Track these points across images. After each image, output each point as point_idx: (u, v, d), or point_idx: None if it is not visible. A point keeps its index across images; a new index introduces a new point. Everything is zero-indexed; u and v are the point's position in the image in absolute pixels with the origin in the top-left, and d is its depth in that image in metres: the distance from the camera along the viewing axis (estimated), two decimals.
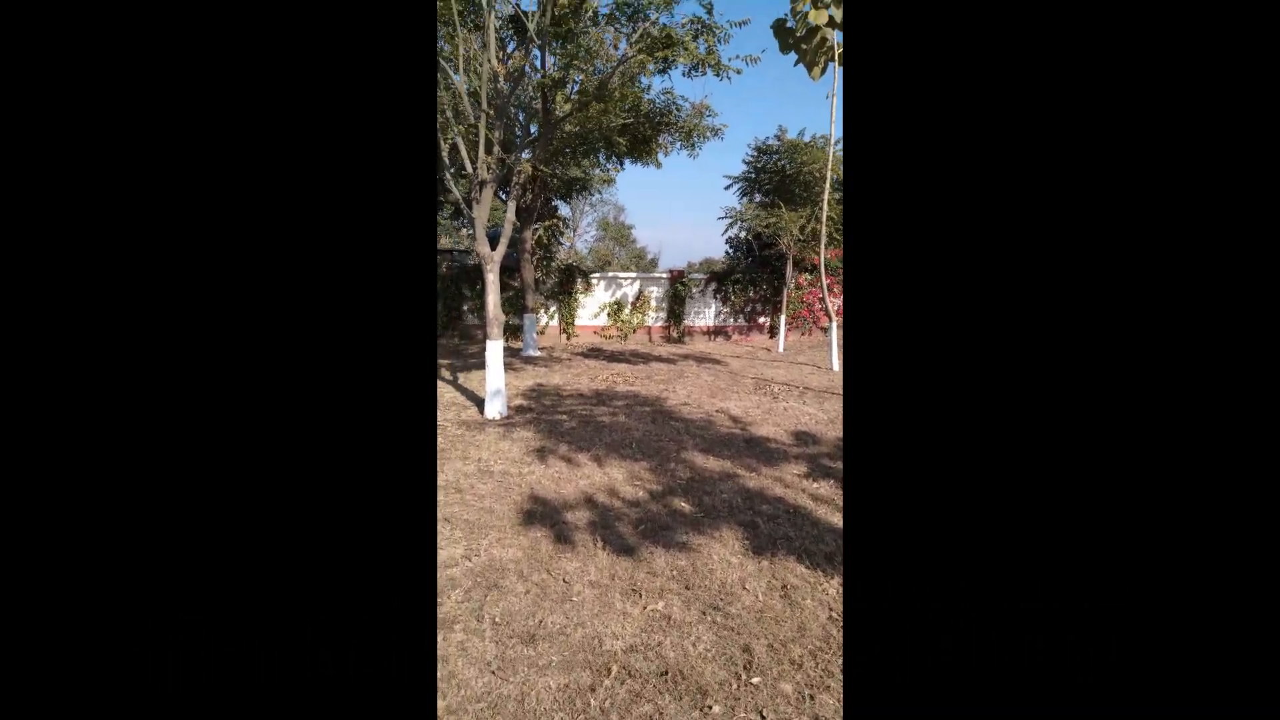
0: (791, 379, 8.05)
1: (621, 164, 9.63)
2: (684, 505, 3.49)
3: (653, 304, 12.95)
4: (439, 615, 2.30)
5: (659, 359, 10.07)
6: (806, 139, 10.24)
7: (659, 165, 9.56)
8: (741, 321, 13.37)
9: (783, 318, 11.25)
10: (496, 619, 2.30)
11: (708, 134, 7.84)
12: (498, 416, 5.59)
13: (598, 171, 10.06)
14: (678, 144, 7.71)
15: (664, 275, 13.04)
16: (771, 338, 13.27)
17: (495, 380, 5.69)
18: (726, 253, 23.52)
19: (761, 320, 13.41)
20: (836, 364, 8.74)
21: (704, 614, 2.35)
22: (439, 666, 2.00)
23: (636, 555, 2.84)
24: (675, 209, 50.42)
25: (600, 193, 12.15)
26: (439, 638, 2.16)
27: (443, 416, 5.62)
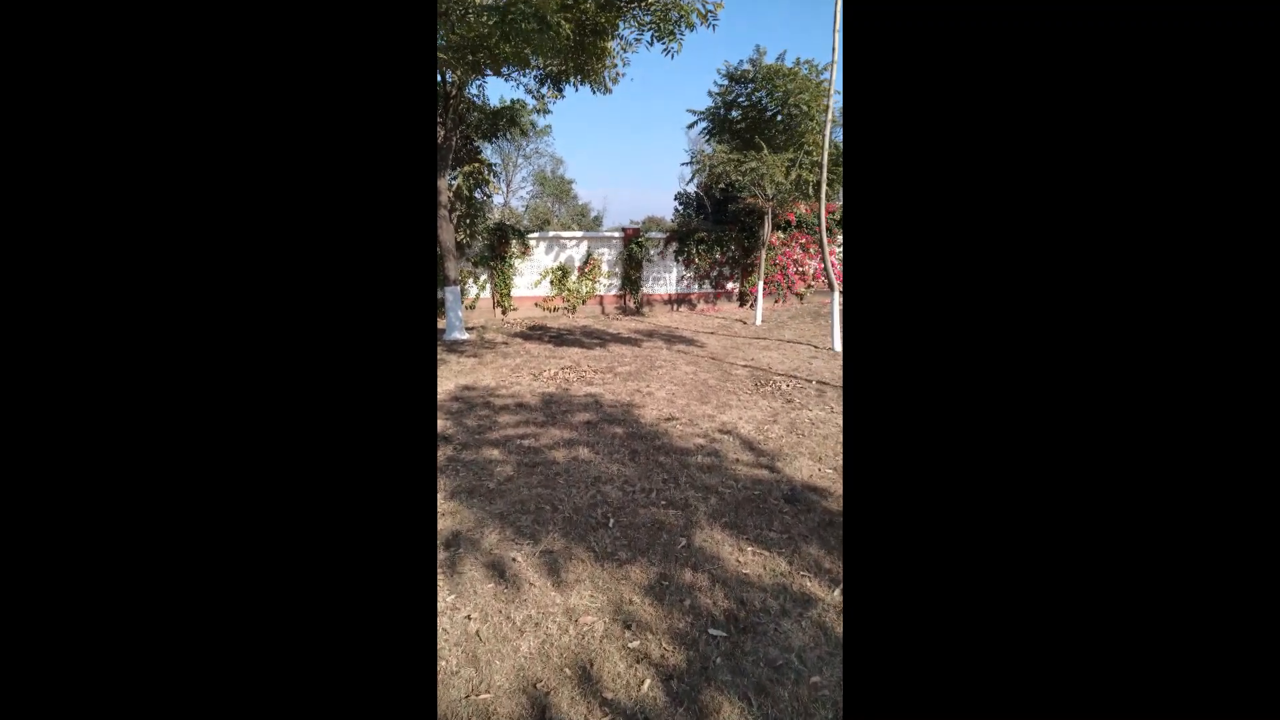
0: (792, 366, 6.36)
1: (559, 87, 7.42)
2: (740, 712, 1.70)
3: (604, 269, 10.94)
4: None
5: (618, 339, 8.17)
6: (789, 64, 8.33)
7: (608, 90, 7.44)
8: (708, 288, 11.60)
9: (760, 284, 9.54)
10: None
11: (694, 17, 5.17)
12: None
13: (530, 100, 7.79)
14: (647, 34, 5.40)
15: (616, 234, 11.01)
16: (743, 306, 11.59)
17: None
18: (676, 210, 21.55)
19: (730, 286, 11.69)
20: (839, 342, 7.13)
21: None
22: None
23: None
24: (618, 165, 47.37)
25: (532, 128, 9.78)
26: None
27: None
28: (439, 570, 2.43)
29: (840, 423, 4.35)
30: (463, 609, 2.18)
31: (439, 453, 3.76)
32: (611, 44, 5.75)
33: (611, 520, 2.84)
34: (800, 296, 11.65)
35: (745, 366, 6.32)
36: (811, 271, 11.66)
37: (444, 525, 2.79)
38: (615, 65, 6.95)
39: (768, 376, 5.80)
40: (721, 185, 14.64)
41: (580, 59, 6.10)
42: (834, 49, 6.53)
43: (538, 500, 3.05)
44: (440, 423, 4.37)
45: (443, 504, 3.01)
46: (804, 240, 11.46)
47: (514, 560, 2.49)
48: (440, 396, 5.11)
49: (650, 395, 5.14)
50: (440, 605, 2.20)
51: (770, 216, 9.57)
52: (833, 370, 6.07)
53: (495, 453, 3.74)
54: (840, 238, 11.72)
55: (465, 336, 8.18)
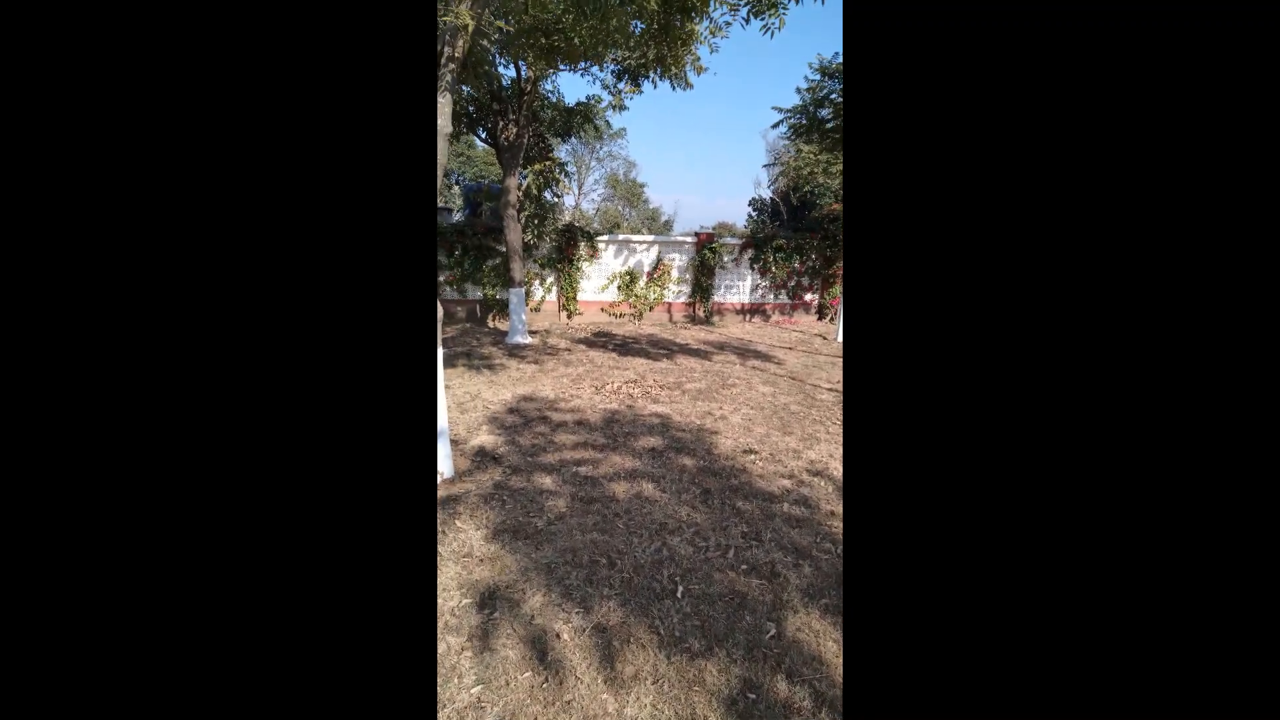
0: None
1: (637, 82, 6.98)
2: None
3: (674, 275, 10.44)
4: None
5: (686, 350, 7.63)
6: None
7: (688, 84, 6.92)
8: (784, 298, 10.85)
9: (843, 296, 8.72)
10: None
11: None
12: (439, 479, 3.24)
13: (606, 96, 7.39)
14: (743, 9, 4.74)
15: (688, 239, 10.48)
16: (821, 320, 10.76)
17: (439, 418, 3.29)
18: (750, 216, 20.81)
19: (809, 298, 10.88)
20: None
21: None
22: None
23: None
24: (690, 170, 46.74)
25: (608, 128, 9.43)
26: None
27: None
28: (467, 639, 1.98)
29: None
30: (489, 709, 1.71)
31: (488, 475, 3.35)
32: (700, 26, 5.21)
33: (680, 587, 2.30)
34: None
35: (830, 390, 5.61)
36: None
37: (482, 576, 2.35)
38: (699, 56, 6.44)
39: None
40: (802, 190, 13.84)
41: (662, 47, 5.61)
42: None
43: (592, 549, 2.56)
44: (493, 438, 3.99)
45: (484, 546, 2.58)
46: None
47: (559, 637, 2.00)
48: (497, 407, 4.75)
49: (724, 420, 4.56)
50: (464, 698, 1.73)
51: None
52: None
53: (549, 481, 3.29)
54: None
55: (528, 341, 7.89)
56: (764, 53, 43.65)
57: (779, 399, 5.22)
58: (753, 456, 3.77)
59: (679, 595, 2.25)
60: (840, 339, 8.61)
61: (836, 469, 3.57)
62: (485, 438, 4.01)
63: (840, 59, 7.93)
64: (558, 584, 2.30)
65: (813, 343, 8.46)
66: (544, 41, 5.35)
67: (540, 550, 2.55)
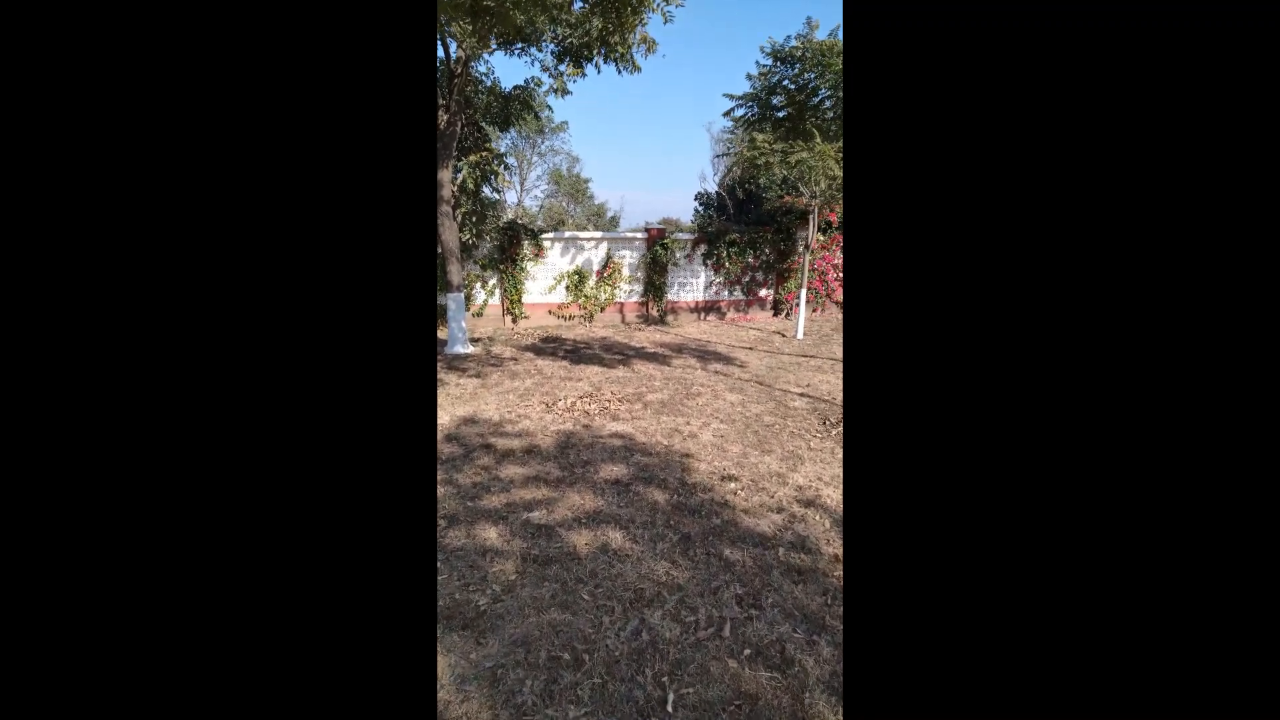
0: None
1: (579, 64, 6.37)
2: None
3: (625, 273, 9.90)
4: None
5: (644, 355, 7.10)
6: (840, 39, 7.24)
7: (636, 67, 6.39)
8: (739, 295, 10.50)
9: (803, 291, 8.41)
10: None
11: None
12: None
13: (546, 79, 6.75)
14: None
15: (639, 235, 9.96)
16: (777, 315, 10.48)
17: None
18: (697, 210, 20.47)
19: (764, 293, 10.57)
20: None
21: None
22: None
23: None
24: (634, 165, 46.21)
25: (549, 123, 8.86)
26: None
27: None
28: None
29: None
30: None
31: None
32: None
33: (670, 693, 1.76)
34: (840, 304, 10.51)
35: (801, 395, 5.21)
36: None
37: None
38: (647, 35, 5.90)
39: (836, 412, 4.69)
40: (747, 184, 13.53)
41: (609, 17, 5.04)
42: None
43: (551, 638, 1.98)
44: None
45: None
46: None
47: None
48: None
49: (694, 438, 4.05)
50: None
51: (815, 216, 8.44)
52: None
53: (493, 534, 2.68)
54: None
55: (469, 350, 7.16)
56: (707, 43, 43.54)
57: (749, 409, 4.76)
58: (733, 485, 3.27)
59: (669, 707, 1.71)
60: (800, 335, 8.30)
61: (830, 496, 3.12)
62: None
63: (792, 43, 7.56)
64: (507, 703, 1.72)
65: (773, 341, 8.11)
66: (473, 20, 4.66)
67: (483, 646, 1.95)
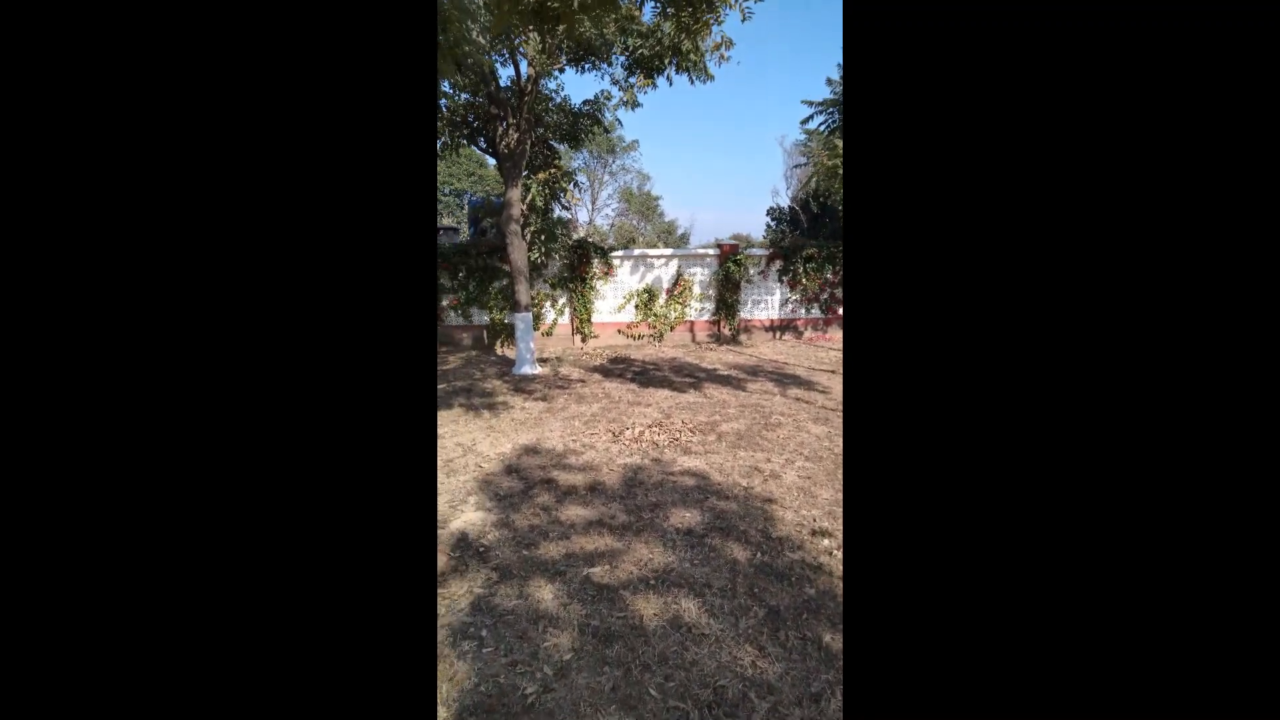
0: None
1: (649, 75, 6.11)
2: None
3: (695, 291, 9.52)
4: None
5: (715, 377, 6.66)
6: None
7: (709, 75, 6.05)
8: (817, 313, 9.85)
9: None
10: None
11: None
12: None
13: (616, 91, 6.55)
14: None
15: (710, 252, 9.56)
16: None
17: None
18: (769, 225, 19.84)
19: (842, 311, 9.85)
20: None
21: None
22: None
23: None
24: (704, 182, 45.91)
25: (620, 141, 8.68)
26: None
27: None
28: None
29: None
30: None
31: (466, 585, 2.43)
32: None
33: None
34: None
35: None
36: None
37: None
38: (724, 36, 5.56)
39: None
40: (822, 198, 12.85)
41: (680, 26, 4.74)
42: None
43: None
44: (482, 516, 3.06)
45: None
46: None
47: None
48: (493, 465, 3.84)
49: (776, 478, 3.58)
50: None
51: None
52: None
53: (549, 594, 2.34)
54: None
55: (537, 371, 6.99)
56: (779, 53, 42.86)
57: (837, 444, 4.22)
58: (826, 542, 2.78)
59: None
60: None
61: None
62: (471, 515, 3.09)
63: None
64: None
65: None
66: (544, 28, 4.48)
67: None
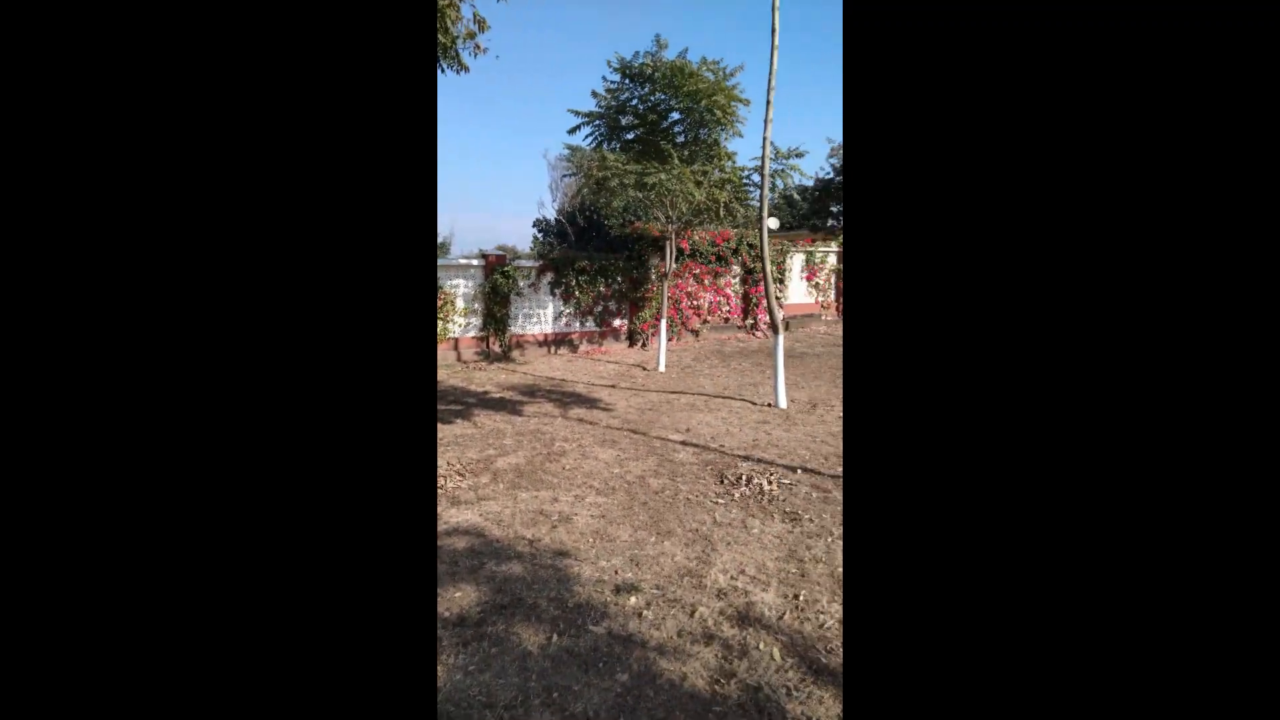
0: (749, 440, 4.62)
1: None
2: None
3: (459, 305, 8.58)
4: None
5: (487, 401, 5.90)
6: (696, 59, 6.92)
7: (463, 65, 5.35)
8: (591, 325, 9.71)
9: (663, 322, 7.85)
10: None
11: None
12: None
13: None
14: None
15: (475, 262, 8.74)
16: (633, 346, 9.87)
17: None
18: (536, 238, 19.59)
19: (618, 323, 9.91)
20: (784, 397, 5.60)
21: None
22: None
23: None
24: (468, 190, 43.66)
25: None
26: None
27: None
28: None
29: None
30: None
31: None
32: None
33: None
34: (696, 334, 10.26)
35: (684, 443, 4.47)
36: (707, 306, 10.35)
37: None
38: (473, 30, 4.90)
39: (730, 464, 3.99)
40: (588, 211, 13.00)
41: None
42: (772, 30, 5.13)
43: None
44: None
45: None
46: (698, 270, 10.13)
47: None
48: None
49: (568, 522, 3.04)
50: None
51: (673, 242, 8.00)
52: (805, 444, 4.44)
53: None
54: (735, 268, 10.62)
55: None
56: (543, 65, 43.12)
57: (629, 468, 3.87)
58: (634, 600, 2.32)
59: None
60: (663, 368, 7.71)
61: (767, 603, 2.31)
62: None
63: (641, 60, 7.08)
64: None
65: (634, 376, 7.39)
66: None
67: None
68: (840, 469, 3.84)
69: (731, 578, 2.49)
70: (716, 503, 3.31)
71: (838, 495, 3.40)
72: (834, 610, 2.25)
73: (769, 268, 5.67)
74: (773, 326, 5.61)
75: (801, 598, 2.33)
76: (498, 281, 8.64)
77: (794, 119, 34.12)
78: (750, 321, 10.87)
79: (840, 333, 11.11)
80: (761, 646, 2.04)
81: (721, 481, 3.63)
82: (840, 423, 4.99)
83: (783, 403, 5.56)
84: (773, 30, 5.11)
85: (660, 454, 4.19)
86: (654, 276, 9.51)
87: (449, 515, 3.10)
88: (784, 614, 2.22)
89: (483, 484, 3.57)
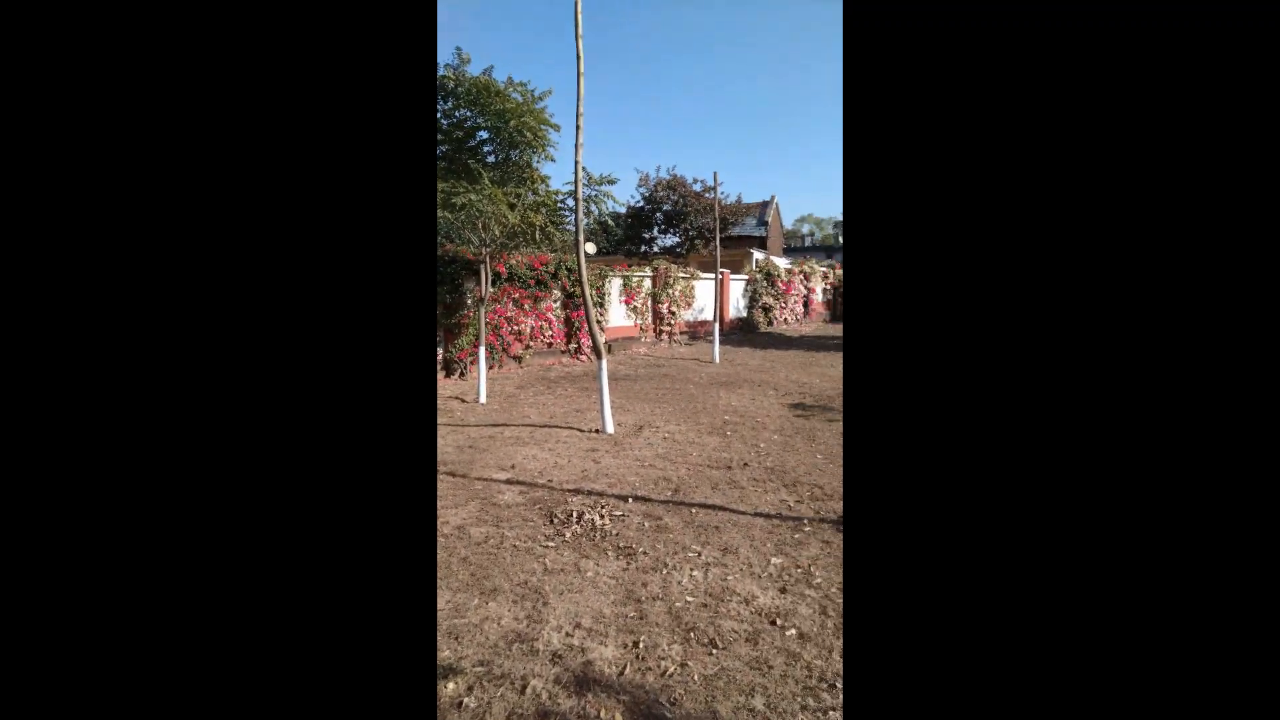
0: (577, 471, 4.44)
1: None
2: None
3: None
4: None
5: None
6: (502, 78, 6.67)
7: None
8: None
9: (482, 349, 7.37)
10: None
11: None
12: None
13: None
14: None
15: None
16: (450, 377, 9.15)
17: None
18: None
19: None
20: (611, 422, 5.55)
21: None
22: None
23: None
24: None
25: None
26: None
27: None
28: None
29: (749, 591, 2.66)
30: None
31: None
32: None
33: None
34: (519, 360, 9.89)
35: (510, 482, 4.14)
36: (529, 331, 10.05)
37: None
38: None
39: (560, 500, 3.77)
40: None
41: None
42: (577, 57, 5.14)
43: None
44: None
45: None
46: (517, 295, 9.81)
47: None
48: None
49: None
50: None
51: (487, 266, 7.59)
52: (634, 469, 4.40)
53: None
54: (555, 291, 10.50)
55: None
56: None
57: (447, 519, 3.45)
58: (451, 684, 1.98)
59: None
60: (484, 399, 7.23)
61: (609, 658, 2.12)
62: None
63: (442, 71, 6.66)
64: None
65: (452, 410, 6.81)
66: None
67: None
68: (670, 494, 3.86)
69: (567, 634, 2.27)
70: (547, 546, 3.07)
71: (669, 523, 3.38)
72: (674, 653, 2.15)
73: (588, 291, 5.62)
74: (595, 350, 5.55)
75: (641, 644, 2.20)
76: None
77: (605, 149, 35.60)
78: (574, 346, 10.82)
79: (659, 354, 11.59)
80: (603, 715, 1.84)
81: (551, 521, 3.40)
82: (665, 444, 5.07)
83: (610, 428, 5.52)
84: (578, 57, 5.12)
85: (483, 497, 3.82)
86: (470, 301, 8.97)
87: None
88: (624, 668, 2.06)
89: None
